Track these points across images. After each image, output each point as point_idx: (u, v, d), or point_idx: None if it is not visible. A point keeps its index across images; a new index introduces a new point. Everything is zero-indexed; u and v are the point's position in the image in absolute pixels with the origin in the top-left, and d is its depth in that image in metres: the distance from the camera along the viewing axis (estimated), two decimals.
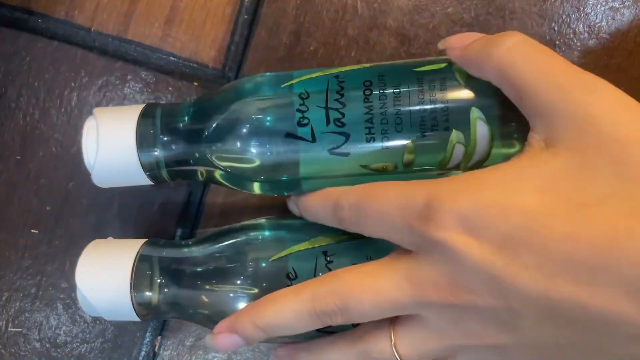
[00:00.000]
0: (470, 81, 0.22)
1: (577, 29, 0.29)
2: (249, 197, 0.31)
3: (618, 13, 0.29)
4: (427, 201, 0.18)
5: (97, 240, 0.27)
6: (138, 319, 0.26)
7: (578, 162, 0.17)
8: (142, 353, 0.31)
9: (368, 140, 0.23)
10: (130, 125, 0.25)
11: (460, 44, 0.22)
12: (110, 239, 0.28)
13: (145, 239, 0.27)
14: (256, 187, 0.26)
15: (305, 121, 0.23)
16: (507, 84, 0.20)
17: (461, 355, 0.20)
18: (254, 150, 0.24)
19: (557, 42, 0.29)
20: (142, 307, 0.26)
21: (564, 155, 0.17)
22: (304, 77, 0.24)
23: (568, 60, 0.29)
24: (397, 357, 0.21)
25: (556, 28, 0.29)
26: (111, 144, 0.25)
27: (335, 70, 0.24)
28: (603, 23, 0.29)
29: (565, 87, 0.18)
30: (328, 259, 0.25)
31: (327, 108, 0.23)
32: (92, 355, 0.31)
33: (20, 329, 0.31)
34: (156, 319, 0.30)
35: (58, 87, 0.32)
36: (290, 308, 0.21)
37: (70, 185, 0.31)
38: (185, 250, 0.27)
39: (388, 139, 0.23)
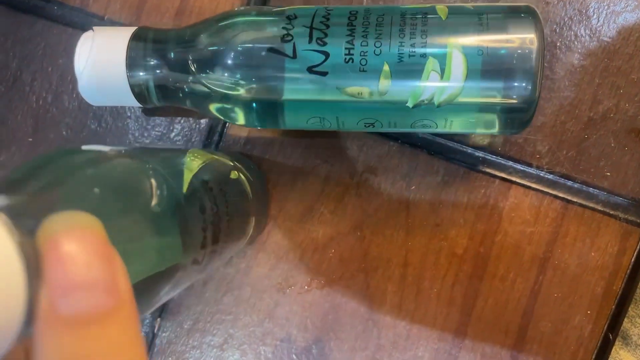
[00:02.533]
0: (452, 17, 0.24)
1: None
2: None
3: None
4: None
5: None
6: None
7: None
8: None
9: (347, 61, 0.24)
10: (123, 42, 0.27)
11: None
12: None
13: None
14: (240, 116, 0.27)
15: (289, 38, 0.25)
16: None
17: None
18: (239, 65, 0.25)
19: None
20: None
21: None
22: (295, 6, 0.27)
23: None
24: None
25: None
26: (102, 56, 0.27)
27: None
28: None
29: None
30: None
31: (311, 28, 0.25)
32: None
33: None
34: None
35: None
36: None
37: None
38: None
39: (366, 61, 0.24)
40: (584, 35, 0.29)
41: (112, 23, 0.32)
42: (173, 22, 0.32)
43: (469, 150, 0.30)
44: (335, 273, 0.31)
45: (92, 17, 0.33)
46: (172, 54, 0.27)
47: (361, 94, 0.25)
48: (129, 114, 0.32)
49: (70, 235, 0.13)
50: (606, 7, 0.29)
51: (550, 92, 0.30)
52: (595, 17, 0.29)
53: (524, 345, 0.30)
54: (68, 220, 0.14)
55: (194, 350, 0.32)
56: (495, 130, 0.26)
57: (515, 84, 0.24)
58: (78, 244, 0.13)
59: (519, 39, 0.24)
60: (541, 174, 0.30)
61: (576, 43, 0.29)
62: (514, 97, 0.24)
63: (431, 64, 0.24)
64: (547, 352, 0.30)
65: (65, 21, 0.33)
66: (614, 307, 0.29)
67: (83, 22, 0.33)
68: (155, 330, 0.32)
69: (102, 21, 0.32)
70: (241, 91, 0.26)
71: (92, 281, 0.13)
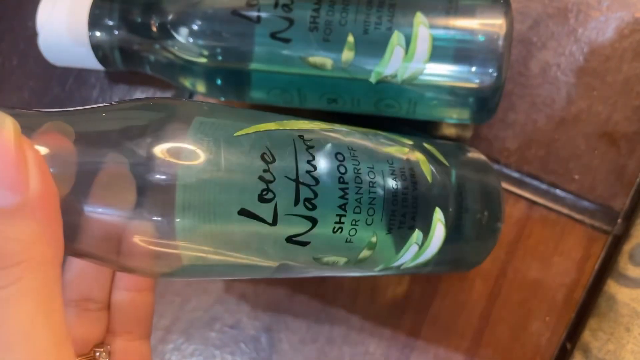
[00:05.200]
0: None
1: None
2: None
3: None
4: None
5: None
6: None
7: None
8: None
9: (311, 29, 0.24)
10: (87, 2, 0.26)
11: None
12: None
13: None
14: (202, 84, 0.26)
15: (254, 2, 0.24)
16: None
17: None
18: (203, 29, 0.25)
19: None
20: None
21: None
22: None
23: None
24: None
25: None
26: (65, 11, 0.26)
27: None
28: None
29: None
30: (307, 143, 0.20)
31: None
32: None
33: None
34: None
35: None
36: None
37: None
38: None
39: (331, 31, 0.23)
40: (560, 33, 0.29)
41: None
42: None
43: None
44: None
45: None
46: (136, 16, 0.26)
47: (324, 65, 0.24)
48: (93, 82, 0.32)
49: None
50: (585, 7, 0.29)
51: (524, 88, 0.29)
52: (573, 16, 0.29)
53: (479, 350, 0.29)
54: None
55: None
56: (459, 117, 0.25)
57: (481, 67, 0.23)
58: None
59: (488, 22, 0.23)
60: (508, 172, 0.29)
61: (552, 41, 0.29)
62: (479, 81, 0.23)
63: (396, 38, 0.23)
64: (503, 358, 0.28)
65: None
66: (573, 315, 0.28)
67: None
68: None
69: None
70: (204, 57, 0.25)
71: None
